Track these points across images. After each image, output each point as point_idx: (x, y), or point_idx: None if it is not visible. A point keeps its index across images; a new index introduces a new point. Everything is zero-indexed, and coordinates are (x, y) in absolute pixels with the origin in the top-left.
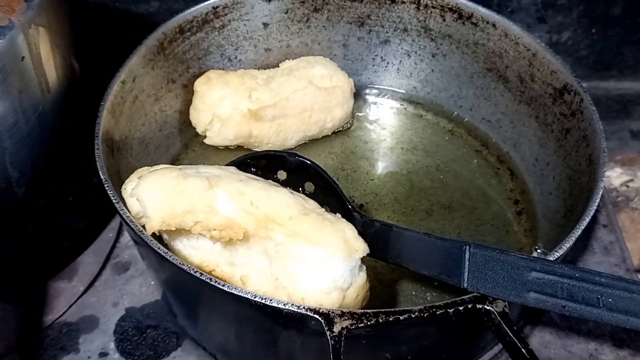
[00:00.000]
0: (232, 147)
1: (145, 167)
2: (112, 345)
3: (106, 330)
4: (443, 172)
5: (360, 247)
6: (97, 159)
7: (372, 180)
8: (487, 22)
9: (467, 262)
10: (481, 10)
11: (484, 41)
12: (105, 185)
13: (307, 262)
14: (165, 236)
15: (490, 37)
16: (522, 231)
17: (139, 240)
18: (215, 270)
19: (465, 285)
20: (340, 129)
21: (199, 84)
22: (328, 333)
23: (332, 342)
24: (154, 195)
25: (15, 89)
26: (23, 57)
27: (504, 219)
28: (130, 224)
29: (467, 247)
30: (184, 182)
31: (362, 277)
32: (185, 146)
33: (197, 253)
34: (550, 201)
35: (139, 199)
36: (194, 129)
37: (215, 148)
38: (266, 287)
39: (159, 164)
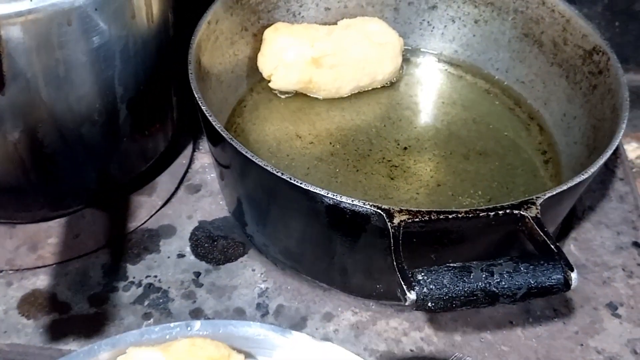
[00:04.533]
0: (291, 93)
1: None
2: (188, 249)
3: (182, 237)
4: (479, 124)
5: None
6: (190, 80)
7: (415, 128)
8: None
9: None
10: None
11: (522, 9)
12: (200, 102)
13: None
14: None
15: (529, 5)
16: (548, 176)
17: (226, 149)
18: None
19: None
20: (388, 83)
21: (268, 33)
22: (389, 224)
23: (393, 231)
24: None
25: (129, 15)
26: None
27: (532, 166)
28: (222, 132)
29: None
30: None
31: None
32: (250, 89)
33: None
34: (575, 149)
35: None
36: (259, 75)
37: (276, 93)
38: None
39: (229, 101)
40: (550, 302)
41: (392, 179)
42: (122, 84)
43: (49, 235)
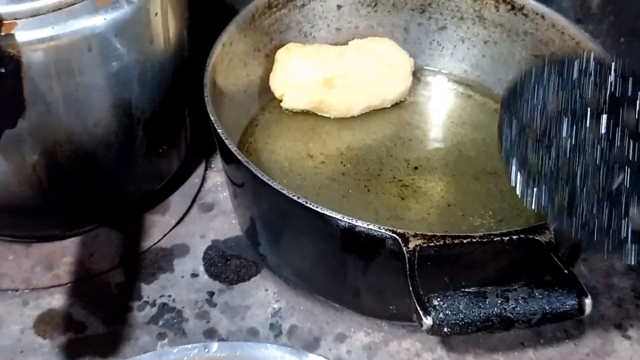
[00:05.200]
0: (302, 112)
1: None
2: (202, 268)
3: (196, 256)
4: (488, 144)
5: None
6: (206, 103)
7: (425, 147)
8: (537, 14)
9: None
10: (531, 3)
11: (532, 30)
12: (215, 125)
13: None
14: None
15: (538, 27)
16: None
17: (241, 171)
18: None
19: None
20: (398, 102)
21: (281, 53)
22: (404, 249)
23: (408, 256)
24: None
25: (147, 39)
26: (157, 13)
27: None
28: (238, 155)
29: None
30: None
31: None
32: (262, 109)
33: None
34: None
35: None
36: (271, 94)
37: (288, 113)
38: None
39: (241, 121)
40: (562, 323)
41: (402, 198)
42: (139, 107)
43: (64, 254)
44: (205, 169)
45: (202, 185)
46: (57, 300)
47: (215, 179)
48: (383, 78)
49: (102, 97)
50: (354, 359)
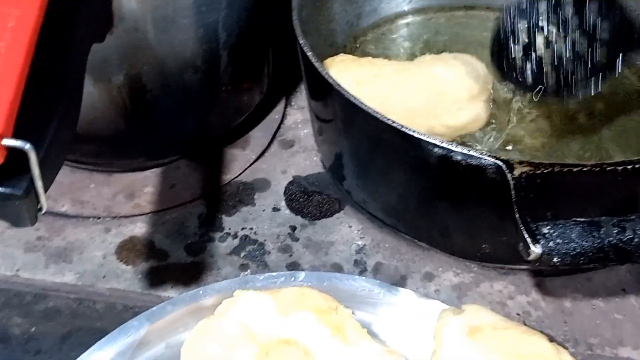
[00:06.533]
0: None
1: None
2: (283, 203)
3: (277, 191)
4: None
5: None
6: (295, 27)
7: None
8: None
9: None
10: None
11: None
12: (305, 48)
13: None
14: None
15: None
16: None
17: (331, 98)
18: None
19: None
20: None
21: (327, 63)
22: (510, 176)
23: (514, 183)
24: None
25: None
26: None
27: None
28: (329, 79)
29: None
30: None
31: None
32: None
33: None
34: None
35: None
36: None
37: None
38: None
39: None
40: None
41: None
42: (225, 29)
43: (145, 184)
44: (286, 106)
45: (282, 121)
46: (139, 229)
47: (296, 116)
48: (427, 107)
49: (190, 16)
50: (442, 298)
